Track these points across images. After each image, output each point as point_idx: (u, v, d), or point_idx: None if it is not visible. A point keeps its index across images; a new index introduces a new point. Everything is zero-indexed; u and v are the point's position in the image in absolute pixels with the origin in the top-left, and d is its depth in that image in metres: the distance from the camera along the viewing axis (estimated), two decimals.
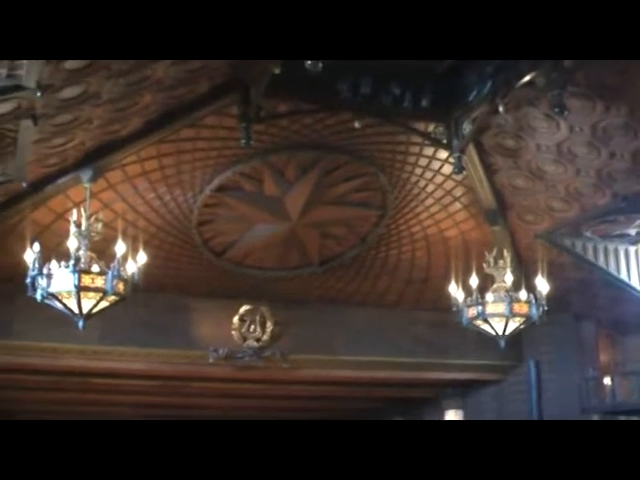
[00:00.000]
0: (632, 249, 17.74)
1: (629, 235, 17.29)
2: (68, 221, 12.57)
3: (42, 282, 11.68)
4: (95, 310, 11.89)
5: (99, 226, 12.45)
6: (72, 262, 11.67)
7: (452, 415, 23.53)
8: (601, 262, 17.64)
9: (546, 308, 14.82)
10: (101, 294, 11.72)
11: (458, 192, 16.97)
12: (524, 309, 14.51)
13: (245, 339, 19.42)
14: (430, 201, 17.27)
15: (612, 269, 17.72)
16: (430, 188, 16.88)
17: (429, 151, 15.82)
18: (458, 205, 17.32)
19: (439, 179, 16.60)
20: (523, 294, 14.65)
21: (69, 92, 10.78)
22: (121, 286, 11.91)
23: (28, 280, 11.80)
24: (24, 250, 12.06)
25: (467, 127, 14.06)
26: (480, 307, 14.44)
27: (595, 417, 20.22)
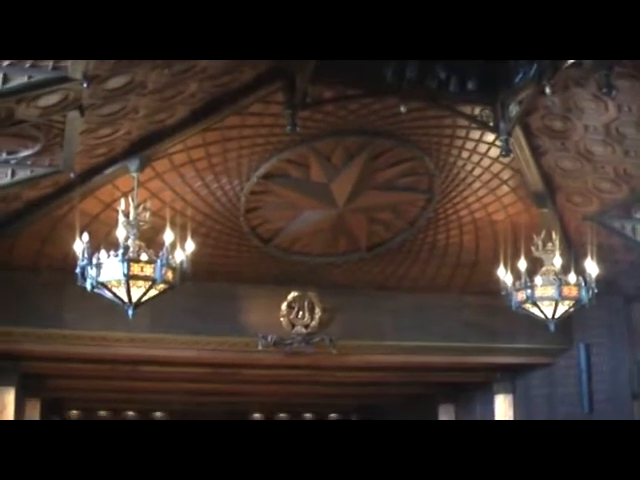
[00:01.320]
0: None
1: None
2: (116, 211, 12.67)
3: (91, 272, 11.77)
4: (144, 298, 11.98)
5: (147, 215, 12.52)
6: (121, 251, 11.75)
7: (502, 400, 23.42)
8: None
9: (596, 291, 14.70)
10: (150, 282, 11.80)
11: (505, 175, 16.84)
12: (573, 292, 14.41)
13: (294, 326, 19.44)
14: (477, 184, 17.16)
15: None
16: (477, 171, 16.78)
17: (476, 134, 15.72)
18: (506, 188, 17.19)
19: (486, 162, 16.49)
20: (572, 277, 14.54)
21: (115, 82, 10.85)
22: (170, 274, 11.98)
23: (78, 270, 11.90)
24: (73, 240, 12.16)
25: (514, 109, 13.94)
26: (529, 291, 14.36)
27: None
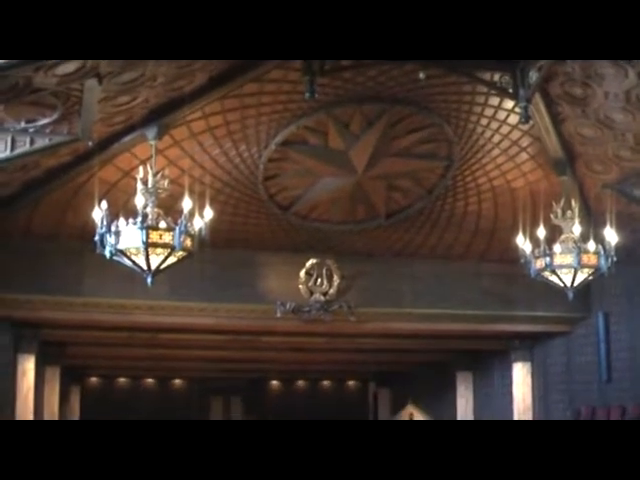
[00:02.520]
0: None
1: None
2: (134, 179, 12.67)
3: (110, 239, 11.79)
4: (163, 266, 12.00)
5: (165, 183, 12.51)
6: (139, 219, 11.76)
7: (520, 367, 23.43)
8: None
9: (615, 259, 14.63)
10: (169, 250, 11.82)
11: (525, 142, 16.76)
12: (592, 260, 14.34)
13: (312, 293, 19.49)
14: (496, 152, 17.09)
15: None
16: (496, 139, 16.70)
17: (495, 101, 15.63)
18: (525, 155, 17.11)
19: (505, 129, 16.41)
20: (591, 245, 14.48)
21: None
22: (188, 242, 11.98)
23: (97, 238, 11.93)
24: (92, 208, 12.18)
25: (533, 76, 13.83)
26: (548, 259, 14.30)
27: None
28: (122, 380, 34.93)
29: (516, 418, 23.13)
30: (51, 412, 23.41)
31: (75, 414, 30.52)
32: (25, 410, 20.16)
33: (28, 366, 20.40)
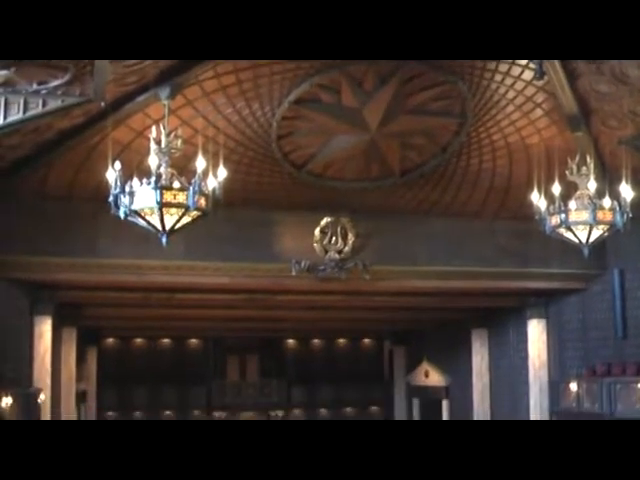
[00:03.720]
0: None
1: None
2: (148, 139, 12.61)
3: (125, 200, 11.76)
4: (178, 226, 11.97)
5: (179, 142, 12.44)
6: (153, 179, 11.73)
7: (535, 324, 23.46)
8: None
9: (630, 215, 14.53)
10: (183, 210, 11.77)
11: (539, 98, 16.65)
12: (608, 217, 14.23)
13: (327, 251, 19.50)
14: (511, 108, 16.99)
15: None
16: (511, 95, 16.60)
17: None
18: (539, 112, 17.02)
19: (520, 85, 16.29)
20: (607, 201, 14.36)
21: None
22: (203, 201, 11.94)
23: (111, 198, 11.90)
24: (106, 169, 12.15)
25: None
26: (563, 215, 14.20)
27: None
28: (138, 340, 35.16)
29: (531, 375, 23.20)
30: (69, 373, 23.58)
31: (92, 375, 30.77)
32: (42, 372, 20.31)
33: (45, 328, 20.52)
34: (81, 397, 27.08)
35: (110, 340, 34.34)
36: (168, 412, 34.49)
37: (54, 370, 21.37)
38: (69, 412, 23.50)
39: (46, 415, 20.01)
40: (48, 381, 20.47)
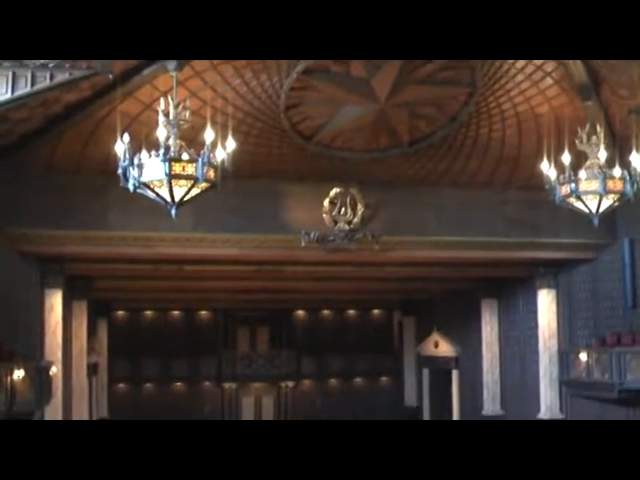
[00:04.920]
0: None
1: None
2: (156, 111, 12.57)
3: (134, 172, 11.74)
4: (187, 198, 11.95)
5: (187, 114, 12.42)
6: (162, 151, 11.70)
7: (545, 295, 23.44)
8: None
9: None
10: (192, 181, 11.75)
11: (549, 67, 16.56)
12: (618, 186, 14.17)
13: (336, 222, 19.48)
14: (520, 77, 16.90)
15: None
16: (520, 64, 16.51)
17: None
18: (549, 81, 16.92)
19: None
20: (617, 171, 14.30)
21: None
22: (212, 173, 11.91)
23: (120, 171, 11.90)
24: (114, 142, 12.13)
25: None
26: (573, 185, 14.14)
27: None
28: (149, 313, 35.24)
29: (541, 345, 23.21)
30: (80, 346, 23.66)
31: (103, 347, 30.88)
32: (53, 345, 20.39)
33: (55, 301, 20.59)
34: (92, 369, 27.18)
35: (120, 312, 34.44)
36: (179, 384, 34.66)
37: (65, 343, 21.45)
38: (81, 385, 23.62)
39: (58, 388, 20.11)
40: (59, 354, 20.55)
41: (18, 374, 16.87)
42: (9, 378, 16.72)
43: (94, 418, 27.11)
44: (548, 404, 23.05)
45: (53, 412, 20.07)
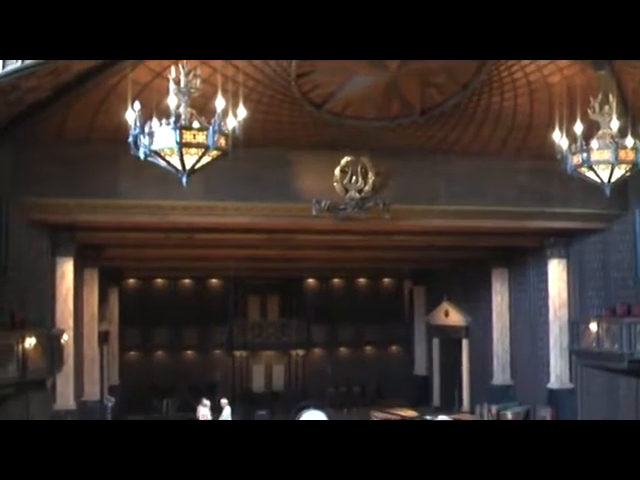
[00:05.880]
0: None
1: None
2: (167, 79, 12.55)
3: (144, 140, 11.74)
4: (198, 166, 11.95)
5: (198, 82, 12.39)
6: (173, 119, 11.70)
7: (555, 264, 23.44)
8: None
9: None
10: (203, 149, 11.76)
11: None
12: (630, 156, 14.11)
13: (347, 190, 19.47)
14: None
15: None
16: None
17: None
18: None
19: None
20: (629, 140, 14.23)
21: None
22: (222, 141, 11.91)
23: (130, 139, 11.90)
24: (125, 110, 12.11)
25: None
26: (585, 154, 14.10)
27: None
28: (159, 281, 35.33)
29: (551, 315, 23.23)
30: (91, 314, 23.75)
31: (114, 315, 31.00)
32: (65, 313, 20.49)
33: (67, 269, 20.67)
34: (103, 337, 27.30)
35: (131, 281, 34.54)
36: (189, 352, 34.79)
37: (76, 311, 21.55)
38: (92, 352, 23.73)
39: (69, 355, 20.22)
40: (70, 322, 20.66)
41: (30, 342, 16.98)
42: (21, 346, 16.83)
43: (105, 386, 27.25)
44: (558, 374, 23.12)
45: (64, 380, 20.21)
